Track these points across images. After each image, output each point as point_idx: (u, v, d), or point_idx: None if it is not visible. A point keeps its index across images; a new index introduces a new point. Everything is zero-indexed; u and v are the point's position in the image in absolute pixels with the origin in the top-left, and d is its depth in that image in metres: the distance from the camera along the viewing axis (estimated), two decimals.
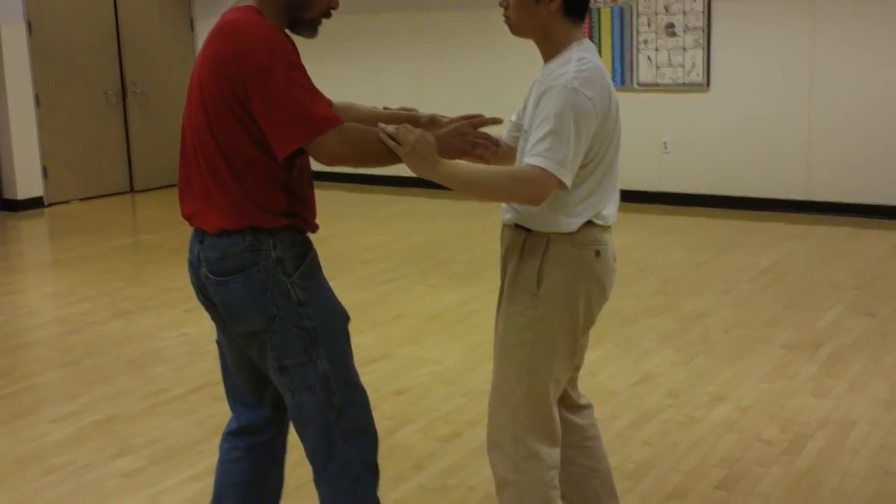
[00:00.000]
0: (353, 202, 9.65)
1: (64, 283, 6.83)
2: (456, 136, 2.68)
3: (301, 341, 2.58)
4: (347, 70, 10.43)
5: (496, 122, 2.85)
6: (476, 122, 2.78)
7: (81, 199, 10.06)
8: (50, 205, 9.78)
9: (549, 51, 2.69)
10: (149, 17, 10.60)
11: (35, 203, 9.66)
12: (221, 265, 2.55)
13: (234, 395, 2.88)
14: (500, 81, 9.19)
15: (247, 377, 2.80)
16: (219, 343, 2.84)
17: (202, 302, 2.70)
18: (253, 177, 2.52)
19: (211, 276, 2.57)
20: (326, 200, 9.48)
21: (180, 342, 5.41)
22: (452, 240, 7.79)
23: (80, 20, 9.96)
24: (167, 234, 8.24)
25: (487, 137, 2.76)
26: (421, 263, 7.05)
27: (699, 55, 8.59)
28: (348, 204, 9.57)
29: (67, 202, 9.94)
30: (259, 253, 2.54)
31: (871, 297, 5.89)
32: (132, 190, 10.55)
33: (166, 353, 5.25)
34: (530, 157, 2.53)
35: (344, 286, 6.36)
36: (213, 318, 2.72)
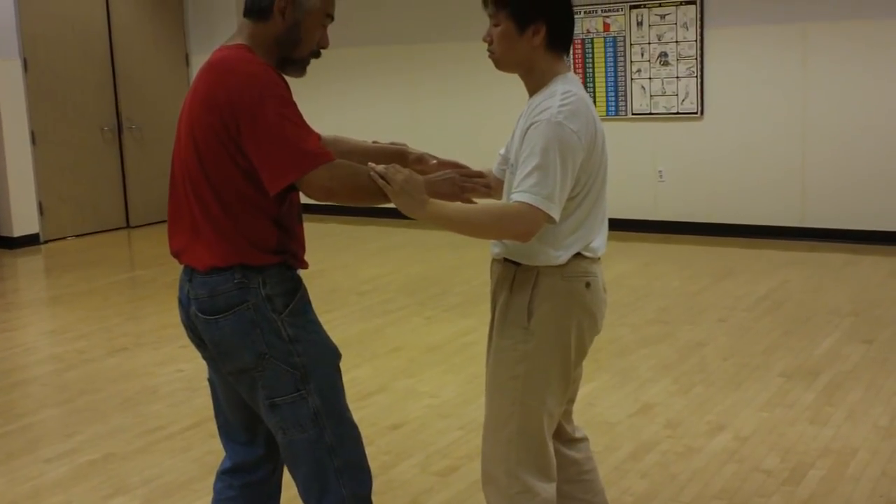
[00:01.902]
0: (348, 235, 9.66)
1: (60, 320, 6.81)
2: (445, 181, 2.69)
3: (292, 378, 2.57)
4: (342, 102, 10.47)
5: (480, 175, 2.85)
6: (463, 171, 2.80)
7: (78, 236, 10.05)
8: (46, 241, 9.77)
9: (534, 84, 2.70)
10: (144, 52, 10.65)
11: (31, 240, 9.65)
12: (211, 303, 2.54)
13: (226, 433, 2.86)
14: (494, 111, 9.21)
15: (239, 415, 2.78)
16: (210, 381, 2.83)
17: (192, 340, 2.69)
18: (244, 212, 2.52)
19: (200, 314, 2.56)
20: (322, 233, 9.56)
21: (176, 378, 5.38)
22: (449, 271, 7.78)
23: (75, 56, 10.00)
24: (163, 269, 8.22)
25: (479, 178, 2.77)
26: (417, 295, 7.04)
27: (692, 84, 8.63)
28: (344, 237, 9.57)
29: (63, 238, 9.93)
30: (248, 290, 2.53)
31: (868, 323, 5.87)
32: (128, 225, 10.55)
33: (162, 389, 5.23)
34: (517, 193, 2.53)
35: (340, 319, 6.36)
36: (204, 357, 2.71)
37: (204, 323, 2.57)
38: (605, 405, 4.71)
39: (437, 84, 10.04)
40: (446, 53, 9.88)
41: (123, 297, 7.52)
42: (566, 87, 2.62)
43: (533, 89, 2.71)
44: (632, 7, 8.81)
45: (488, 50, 2.71)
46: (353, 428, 2.71)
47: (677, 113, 8.75)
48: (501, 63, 2.72)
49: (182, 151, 2.59)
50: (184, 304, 2.64)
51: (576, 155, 2.55)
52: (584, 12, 8.93)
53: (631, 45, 8.87)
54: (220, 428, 2.88)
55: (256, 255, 2.54)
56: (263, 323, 2.54)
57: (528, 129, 2.58)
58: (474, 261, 7.76)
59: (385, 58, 10.29)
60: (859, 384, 4.84)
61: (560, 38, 2.68)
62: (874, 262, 7.54)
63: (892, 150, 7.93)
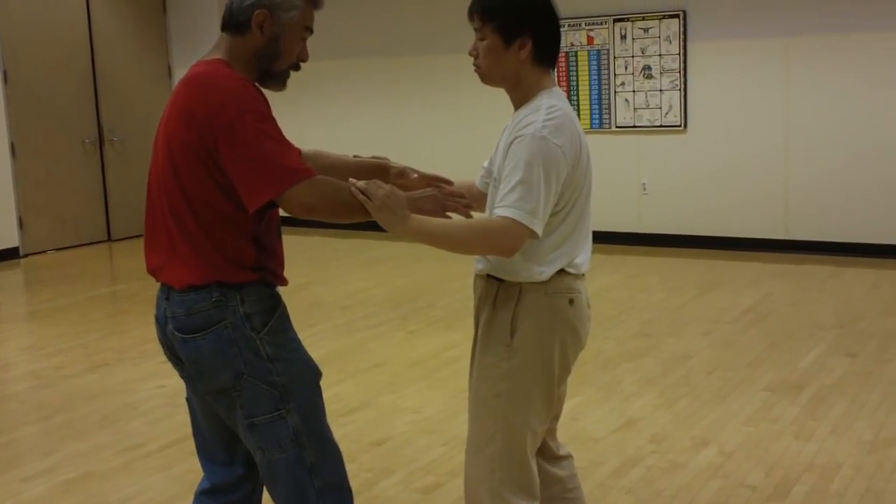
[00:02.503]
0: (333, 248, 9.62)
1: (38, 336, 6.74)
2: (427, 198, 2.64)
3: (271, 398, 2.53)
4: (326, 115, 10.44)
5: (462, 195, 2.78)
6: (445, 190, 2.76)
7: (58, 249, 9.98)
8: (26, 255, 9.69)
9: (519, 98, 2.68)
10: (126, 64, 10.59)
11: (11, 254, 9.56)
12: (188, 322, 2.50)
13: (205, 453, 2.81)
14: (479, 124, 9.20)
15: (218, 434, 2.73)
16: (189, 400, 2.78)
17: (170, 359, 2.65)
18: (221, 229, 2.48)
19: (177, 333, 2.52)
20: (306, 246, 9.52)
21: (156, 394, 5.32)
22: (433, 284, 7.75)
23: (56, 68, 9.94)
24: (145, 283, 8.14)
25: (460, 198, 2.73)
26: (401, 309, 7.00)
27: (676, 97, 8.63)
28: (328, 249, 9.53)
29: (43, 252, 9.86)
30: (226, 309, 2.49)
31: (852, 336, 5.86)
32: (109, 239, 10.48)
33: (142, 406, 5.17)
34: (501, 208, 2.50)
35: (323, 334, 6.31)
36: (182, 376, 2.66)
37: (181, 342, 2.52)
38: (589, 420, 4.67)
39: (421, 97, 10.02)
40: (431, 66, 9.86)
41: (104, 311, 7.45)
42: (551, 102, 2.59)
43: (518, 103, 2.68)
44: (615, 20, 8.82)
45: (474, 64, 2.69)
46: (334, 447, 2.67)
47: (661, 126, 8.75)
48: (487, 77, 2.69)
49: (158, 167, 2.55)
50: (161, 323, 2.60)
51: (560, 170, 2.52)
52: (568, 25, 8.93)
53: (615, 58, 8.87)
54: (198, 448, 2.83)
55: (234, 272, 2.49)
56: (242, 342, 2.50)
57: (511, 143, 2.55)
58: (459, 274, 7.72)
59: (369, 70, 10.26)
60: (844, 398, 4.82)
61: (546, 53, 2.65)
62: (858, 274, 7.54)
63: (875, 162, 7.95)
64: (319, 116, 10.45)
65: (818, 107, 8.11)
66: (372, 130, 10.25)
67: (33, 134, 9.78)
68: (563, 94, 2.70)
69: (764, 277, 7.53)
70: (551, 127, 2.52)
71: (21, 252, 9.67)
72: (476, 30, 2.65)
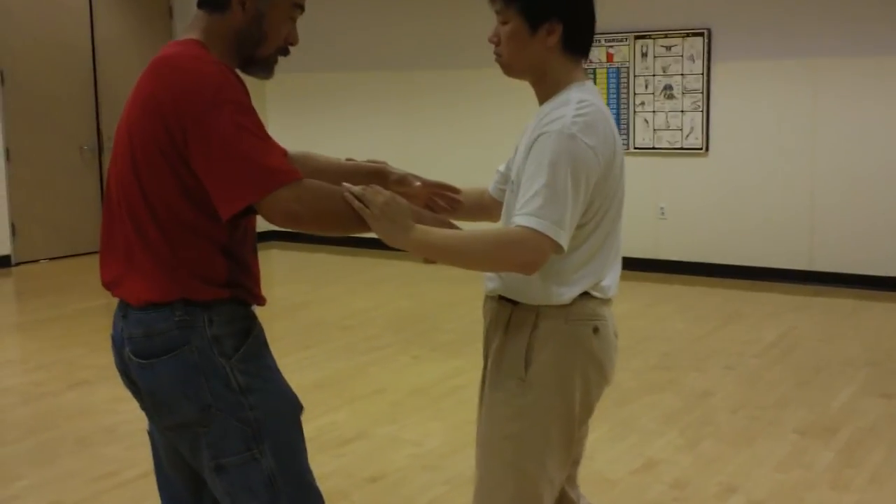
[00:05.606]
0: (338, 265, 9.23)
1: (20, 350, 6.38)
2: (434, 218, 2.28)
3: (242, 436, 2.15)
4: (333, 127, 10.09)
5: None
6: (448, 197, 2.41)
7: (51, 259, 9.63)
8: (17, 264, 9.34)
9: (546, 92, 2.30)
10: (130, 70, 10.18)
11: (2, 262, 9.21)
12: (147, 344, 2.12)
13: (169, 495, 2.44)
14: (490, 139, 8.85)
15: (182, 474, 2.36)
16: (151, 434, 2.41)
17: (128, 387, 2.27)
18: (187, 238, 2.11)
19: (134, 357, 2.14)
20: (308, 263, 9.16)
21: (137, 417, 4.85)
22: (440, 307, 7.37)
23: (56, 70, 9.61)
24: None
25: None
26: (405, 332, 6.62)
27: (698, 118, 8.27)
28: (333, 267, 9.14)
29: (36, 261, 9.51)
30: (192, 330, 2.10)
31: (886, 375, 5.46)
32: None
33: (120, 429, 4.79)
34: (521, 216, 2.12)
35: (320, 356, 5.94)
36: (142, 407, 2.29)
37: (138, 367, 2.15)
38: (604, 460, 4.28)
39: (433, 112, 9.68)
40: (444, 81, 9.53)
41: (92, 325, 7.07)
42: (583, 96, 2.22)
43: (544, 98, 2.31)
44: (637, 37, 8.47)
45: (495, 52, 2.31)
46: (316, 494, 2.29)
47: (681, 148, 8.38)
48: (510, 67, 2.31)
49: (119, 166, 2.18)
50: (117, 345, 2.22)
51: (590, 174, 2.15)
52: None
53: (635, 76, 8.52)
54: (160, 488, 2.46)
55: (201, 288, 2.11)
56: (209, 369, 2.12)
57: (535, 141, 2.17)
58: (469, 297, 7.34)
59: (379, 83, 9.93)
60: (881, 443, 4.42)
61: (578, 40, 2.28)
62: (887, 308, 7.13)
63: None
64: (328, 129, 10.09)
65: (846, 131, 7.73)
66: (381, 144, 9.90)
67: (29, 139, 9.44)
68: (598, 90, 2.32)
69: (787, 309, 7.13)
70: (582, 124, 2.14)
71: (13, 260, 9.32)
72: (497, 13, 2.28)
